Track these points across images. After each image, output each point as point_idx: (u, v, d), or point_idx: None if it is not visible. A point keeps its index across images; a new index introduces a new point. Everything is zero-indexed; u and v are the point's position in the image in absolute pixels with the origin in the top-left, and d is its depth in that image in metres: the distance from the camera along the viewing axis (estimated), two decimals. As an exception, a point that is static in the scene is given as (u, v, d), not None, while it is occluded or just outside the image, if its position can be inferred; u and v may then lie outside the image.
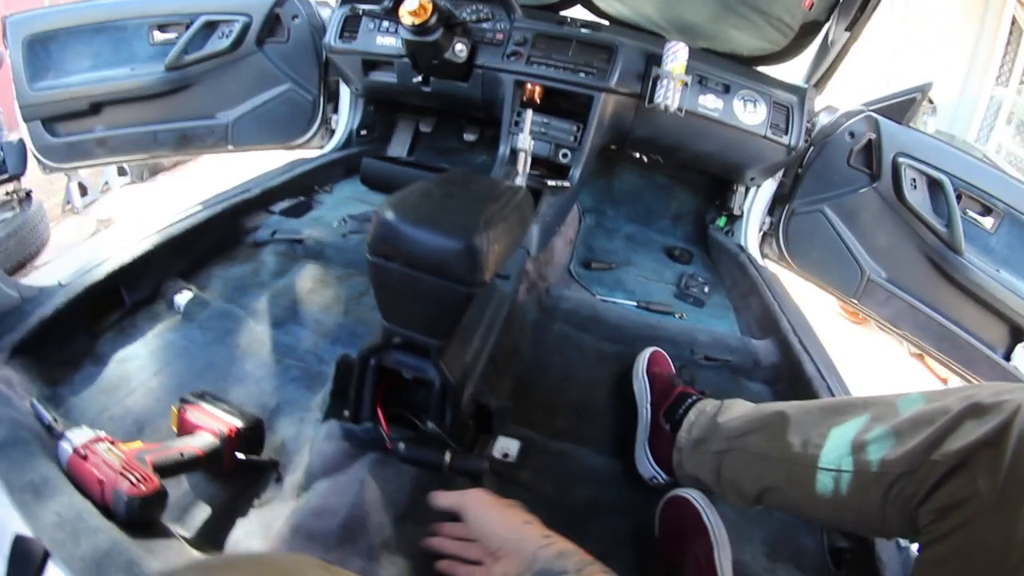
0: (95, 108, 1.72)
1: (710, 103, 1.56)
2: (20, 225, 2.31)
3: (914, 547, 0.85)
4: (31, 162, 2.00)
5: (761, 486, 0.76)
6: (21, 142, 2.10)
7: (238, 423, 0.87)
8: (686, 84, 1.48)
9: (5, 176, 2.17)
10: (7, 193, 2.33)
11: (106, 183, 3.03)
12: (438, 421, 0.78)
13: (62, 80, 1.67)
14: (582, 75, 1.53)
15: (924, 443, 0.59)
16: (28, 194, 2.40)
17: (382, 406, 0.81)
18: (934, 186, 1.49)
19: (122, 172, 3.10)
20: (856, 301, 1.68)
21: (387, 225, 0.63)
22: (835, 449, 0.68)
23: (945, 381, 2.81)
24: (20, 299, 1.00)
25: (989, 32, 4.37)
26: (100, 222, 2.77)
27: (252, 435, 0.90)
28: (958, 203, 1.46)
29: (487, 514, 0.62)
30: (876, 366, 2.82)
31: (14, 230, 2.28)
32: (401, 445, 0.76)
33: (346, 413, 0.87)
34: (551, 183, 1.51)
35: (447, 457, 0.75)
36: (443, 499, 0.68)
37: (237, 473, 0.88)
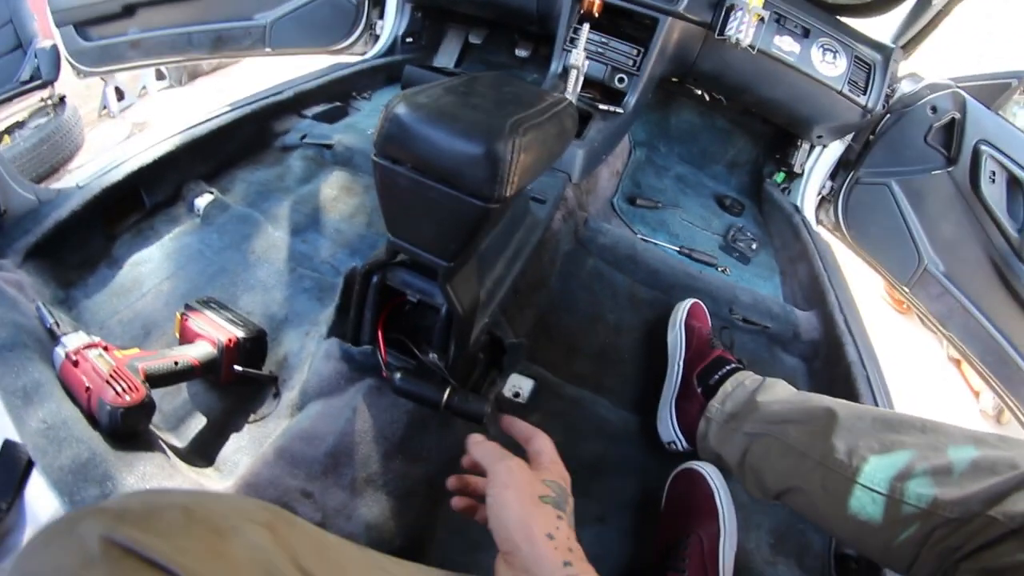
0: (128, 10, 1.66)
1: (786, 45, 1.42)
2: (53, 130, 2.33)
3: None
4: (64, 67, 1.98)
5: (787, 484, 0.69)
6: (54, 48, 2.11)
7: (240, 333, 0.84)
8: (762, 20, 1.34)
9: (39, 82, 2.21)
10: (41, 99, 2.35)
11: (143, 87, 2.99)
12: (441, 353, 0.71)
13: (94, -18, 1.61)
14: (649, -6, 1.38)
15: (984, 493, 0.54)
16: (62, 99, 2.43)
17: (384, 329, 0.74)
18: (1013, 184, 1.32)
19: (160, 76, 3.07)
20: (907, 290, 1.55)
21: (396, 121, 0.53)
22: (883, 469, 0.61)
23: (977, 394, 2.66)
24: (37, 202, 0.99)
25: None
26: (135, 125, 2.74)
27: (254, 347, 0.87)
28: (1038, 209, 1.30)
29: (508, 505, 0.47)
30: (911, 361, 2.67)
31: (47, 135, 2.30)
32: (398, 375, 0.69)
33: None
34: (603, 107, 1.39)
35: (445, 395, 0.67)
36: (477, 449, 0.55)
37: (235, 385, 0.86)
